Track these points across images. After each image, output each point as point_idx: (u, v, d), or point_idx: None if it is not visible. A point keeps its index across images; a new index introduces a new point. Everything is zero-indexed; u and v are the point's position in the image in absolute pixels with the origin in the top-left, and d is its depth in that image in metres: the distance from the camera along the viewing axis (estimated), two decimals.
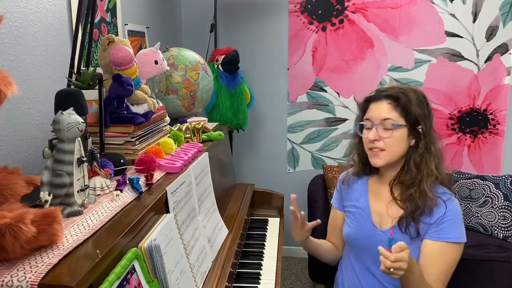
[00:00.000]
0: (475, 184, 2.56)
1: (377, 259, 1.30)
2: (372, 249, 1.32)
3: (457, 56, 2.73)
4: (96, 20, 1.70)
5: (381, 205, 1.36)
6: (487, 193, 2.50)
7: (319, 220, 1.38)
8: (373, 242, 1.31)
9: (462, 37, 2.70)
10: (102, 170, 1.07)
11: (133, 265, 0.85)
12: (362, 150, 1.38)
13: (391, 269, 1.08)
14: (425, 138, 1.28)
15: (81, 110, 1.02)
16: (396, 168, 1.33)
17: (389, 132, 1.27)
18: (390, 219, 1.31)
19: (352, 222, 1.41)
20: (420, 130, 1.28)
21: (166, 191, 1.13)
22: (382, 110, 1.28)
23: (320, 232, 1.66)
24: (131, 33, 2.12)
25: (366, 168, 1.42)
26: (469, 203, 2.54)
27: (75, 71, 1.31)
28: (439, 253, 1.24)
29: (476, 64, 2.72)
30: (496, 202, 2.45)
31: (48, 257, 0.73)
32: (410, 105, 1.27)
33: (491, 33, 2.67)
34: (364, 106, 1.36)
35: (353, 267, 1.40)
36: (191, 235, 1.25)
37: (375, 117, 1.29)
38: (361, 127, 1.34)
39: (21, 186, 0.95)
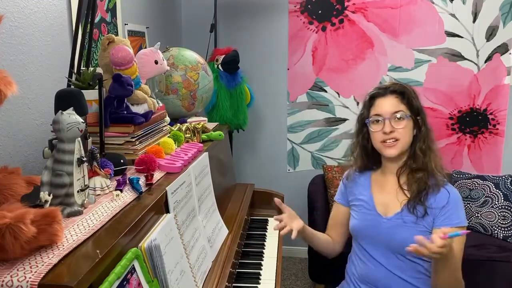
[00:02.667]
0: (475, 184, 2.56)
1: (383, 246, 1.41)
2: (378, 237, 1.42)
3: (457, 56, 2.73)
4: (96, 20, 1.70)
5: (386, 196, 1.45)
6: (487, 193, 2.50)
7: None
8: (378, 230, 1.41)
9: (462, 37, 2.70)
10: (102, 170, 1.07)
11: (133, 265, 0.85)
12: (368, 146, 1.48)
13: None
14: (425, 126, 1.40)
15: (81, 110, 1.02)
16: (401, 159, 1.43)
17: (402, 122, 1.37)
18: (398, 204, 1.41)
19: (357, 214, 1.50)
20: (420, 120, 1.40)
21: (166, 191, 1.13)
22: (392, 104, 1.39)
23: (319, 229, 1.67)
24: (131, 33, 2.12)
25: (369, 163, 1.50)
26: (469, 203, 2.54)
27: (75, 71, 1.31)
28: (454, 239, 1.28)
29: (476, 64, 2.72)
30: (496, 202, 2.45)
31: (48, 257, 0.73)
32: (412, 98, 1.40)
33: (491, 33, 2.67)
34: (369, 103, 1.45)
35: (364, 256, 1.46)
36: (191, 235, 1.25)
37: (386, 111, 1.38)
38: (369, 123, 1.43)
39: (21, 186, 0.95)
